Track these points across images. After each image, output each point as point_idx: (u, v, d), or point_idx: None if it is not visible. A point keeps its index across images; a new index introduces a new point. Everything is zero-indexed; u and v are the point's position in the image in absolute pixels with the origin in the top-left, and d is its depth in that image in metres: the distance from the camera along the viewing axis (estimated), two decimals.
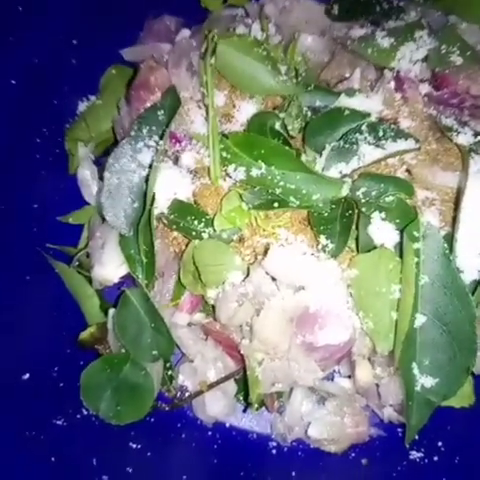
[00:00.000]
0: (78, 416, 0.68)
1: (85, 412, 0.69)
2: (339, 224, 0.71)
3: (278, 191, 0.70)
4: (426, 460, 0.74)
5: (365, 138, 0.74)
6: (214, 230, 0.73)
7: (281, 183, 0.70)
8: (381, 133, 0.74)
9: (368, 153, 0.73)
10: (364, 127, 0.74)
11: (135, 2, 0.89)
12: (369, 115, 0.74)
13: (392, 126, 0.74)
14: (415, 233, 0.66)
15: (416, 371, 0.66)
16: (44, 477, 0.57)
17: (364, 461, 0.76)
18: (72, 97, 0.88)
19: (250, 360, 0.71)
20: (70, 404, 0.69)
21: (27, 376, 0.66)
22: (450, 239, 0.68)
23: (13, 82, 0.77)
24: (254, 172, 0.71)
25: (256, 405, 0.74)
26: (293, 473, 0.74)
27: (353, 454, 0.77)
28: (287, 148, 0.72)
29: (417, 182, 0.76)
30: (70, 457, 0.62)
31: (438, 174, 0.76)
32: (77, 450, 0.64)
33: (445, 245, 0.65)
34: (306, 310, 0.69)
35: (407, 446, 0.70)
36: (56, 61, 0.83)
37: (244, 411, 0.79)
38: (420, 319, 0.66)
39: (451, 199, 0.74)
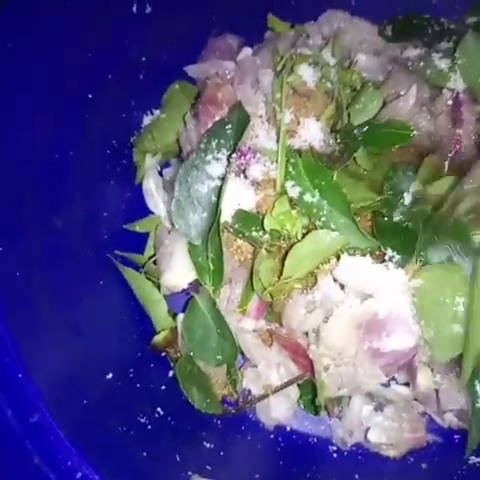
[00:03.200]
0: (156, 415, 0.71)
1: (161, 412, 0.72)
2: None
3: (318, 224, 0.75)
4: None
5: None
6: (263, 230, 0.76)
7: (323, 219, 0.74)
8: None
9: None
10: None
11: (198, 22, 0.93)
12: None
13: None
14: None
15: (478, 389, 0.70)
16: (141, 471, 0.60)
17: (424, 465, 0.79)
18: (138, 111, 0.92)
19: (318, 365, 0.73)
20: (148, 403, 0.71)
21: (110, 375, 0.69)
22: None
23: (90, 96, 0.81)
24: (307, 197, 0.76)
25: (322, 408, 0.76)
26: (356, 476, 0.77)
27: (412, 459, 0.79)
28: (344, 191, 0.75)
29: None
30: (158, 453, 0.65)
31: None
32: (162, 446, 0.67)
33: None
34: (374, 316, 0.72)
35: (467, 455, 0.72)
36: (126, 76, 0.87)
37: (315, 414, 0.81)
38: None
39: None
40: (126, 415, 0.66)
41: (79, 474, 0.51)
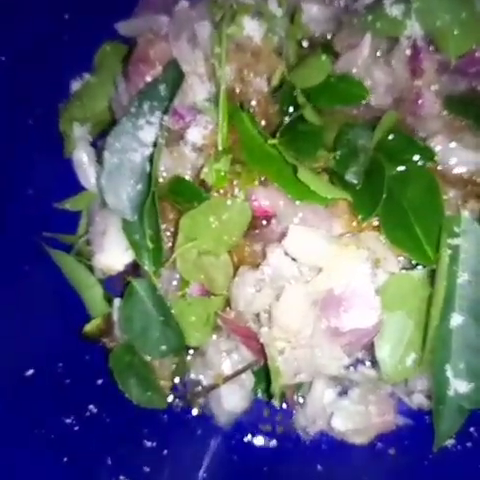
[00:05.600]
0: (87, 414, 0.63)
1: (94, 410, 0.64)
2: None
3: None
4: (458, 446, 0.70)
5: None
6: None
7: None
8: None
9: None
10: None
11: None
12: None
13: None
14: (455, 228, 0.63)
15: (450, 374, 0.64)
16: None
17: (391, 451, 0.72)
18: (65, 75, 0.83)
19: (270, 349, 0.66)
20: (77, 401, 0.64)
21: (31, 372, 0.61)
22: None
23: (3, 58, 0.71)
24: None
25: (278, 398, 0.68)
26: (318, 466, 0.70)
27: (380, 444, 0.73)
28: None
29: None
30: (83, 457, 0.57)
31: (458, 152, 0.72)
32: (90, 449, 0.59)
33: None
34: (330, 292, 0.64)
35: (435, 451, 0.66)
36: (48, 38, 0.78)
37: (266, 404, 0.73)
38: (456, 319, 0.63)
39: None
40: (46, 417, 0.57)
41: None
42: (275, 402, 0.68)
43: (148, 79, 0.74)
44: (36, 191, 0.77)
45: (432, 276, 0.65)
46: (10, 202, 0.73)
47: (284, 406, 0.76)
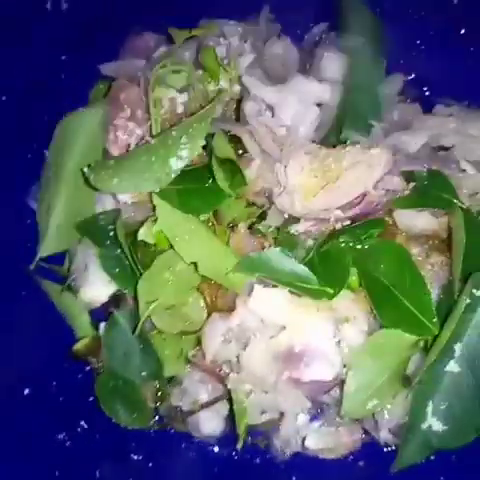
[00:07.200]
0: (78, 429, 0.71)
1: (85, 425, 0.72)
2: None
3: None
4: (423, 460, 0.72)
5: None
6: None
7: None
8: None
9: None
10: None
11: (123, 18, 0.87)
12: None
13: None
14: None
15: (429, 410, 0.67)
16: None
17: (361, 463, 0.78)
18: (61, 113, 0.86)
19: (237, 392, 0.71)
20: (70, 418, 0.71)
21: (27, 391, 0.69)
22: None
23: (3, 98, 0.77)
24: None
25: (243, 436, 0.74)
26: (293, 478, 0.77)
27: (351, 457, 0.79)
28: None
29: None
30: (73, 470, 0.65)
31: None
32: (80, 463, 0.67)
33: None
34: (291, 348, 0.68)
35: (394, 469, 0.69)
36: (45, 76, 0.83)
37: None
38: (453, 366, 0.66)
39: None
40: (41, 432, 0.66)
41: None
42: (240, 441, 0.73)
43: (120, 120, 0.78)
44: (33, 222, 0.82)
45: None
46: (8, 232, 0.80)
47: None
